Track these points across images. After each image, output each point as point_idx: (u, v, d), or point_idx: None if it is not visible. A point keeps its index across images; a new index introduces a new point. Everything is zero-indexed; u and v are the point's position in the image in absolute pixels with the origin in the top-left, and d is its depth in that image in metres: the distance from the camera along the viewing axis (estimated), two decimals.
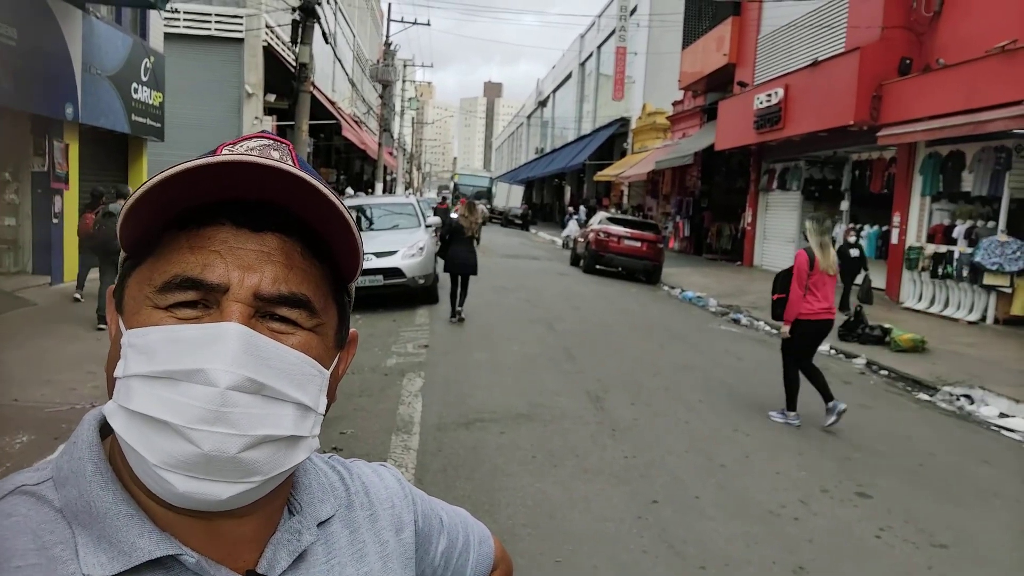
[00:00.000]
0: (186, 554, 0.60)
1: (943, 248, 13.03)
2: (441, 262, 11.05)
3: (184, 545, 0.61)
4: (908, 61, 13.86)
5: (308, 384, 0.62)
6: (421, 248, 11.97)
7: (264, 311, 0.61)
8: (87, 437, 0.64)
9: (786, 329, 6.48)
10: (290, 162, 0.64)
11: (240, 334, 0.57)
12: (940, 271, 12.97)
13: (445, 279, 11.16)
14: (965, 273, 12.36)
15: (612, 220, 19.11)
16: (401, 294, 11.64)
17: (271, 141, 0.65)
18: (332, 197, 0.61)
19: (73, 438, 0.65)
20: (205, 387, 0.55)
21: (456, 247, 10.52)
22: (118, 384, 0.59)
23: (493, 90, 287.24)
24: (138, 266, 0.63)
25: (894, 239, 14.68)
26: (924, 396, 8.07)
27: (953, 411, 7.56)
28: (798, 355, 6.49)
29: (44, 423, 5.22)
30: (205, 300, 0.60)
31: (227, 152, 0.62)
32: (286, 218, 0.63)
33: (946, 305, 12.93)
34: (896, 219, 14.66)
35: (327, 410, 0.66)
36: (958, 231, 12.94)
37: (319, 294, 0.64)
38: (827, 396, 6.39)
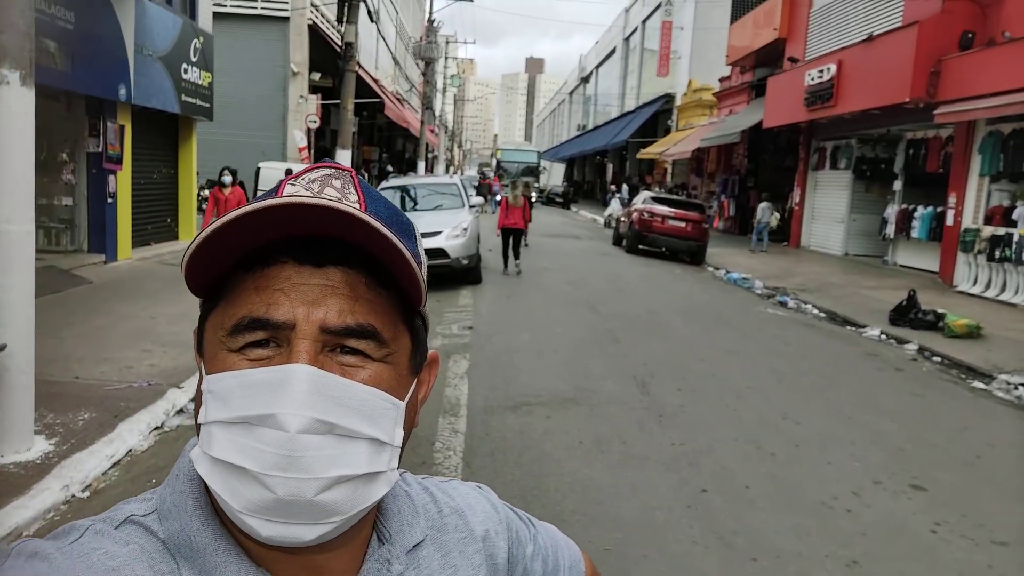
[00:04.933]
0: None
1: (1001, 230, 12.59)
2: (484, 243, 14.39)
3: None
4: (970, 35, 13.32)
5: (381, 418, 0.61)
6: (465, 229, 11.98)
7: (333, 345, 0.61)
8: (188, 471, 0.66)
9: (499, 231, 13.69)
10: (352, 191, 0.64)
11: (307, 375, 0.58)
12: (997, 254, 12.54)
13: (487, 258, 14.01)
14: None
15: (656, 199, 18.87)
16: (444, 275, 11.69)
17: (332, 170, 0.66)
18: (388, 234, 0.60)
19: (175, 470, 0.67)
20: (276, 432, 0.56)
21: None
22: (201, 430, 0.61)
23: (535, 66, 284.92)
24: (212, 310, 0.64)
25: (949, 220, 14.25)
26: (979, 384, 7.85)
27: (1011, 401, 7.33)
28: (505, 242, 13.33)
29: (103, 400, 5.38)
30: (274, 339, 0.60)
31: (289, 187, 0.63)
32: (349, 250, 0.63)
33: (1003, 290, 12.52)
34: (952, 200, 14.21)
35: (407, 438, 0.66)
36: (1018, 212, 12.48)
37: (387, 323, 0.64)
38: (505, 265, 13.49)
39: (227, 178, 10.74)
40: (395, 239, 0.61)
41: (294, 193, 0.61)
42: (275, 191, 0.63)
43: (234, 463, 0.57)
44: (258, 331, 0.60)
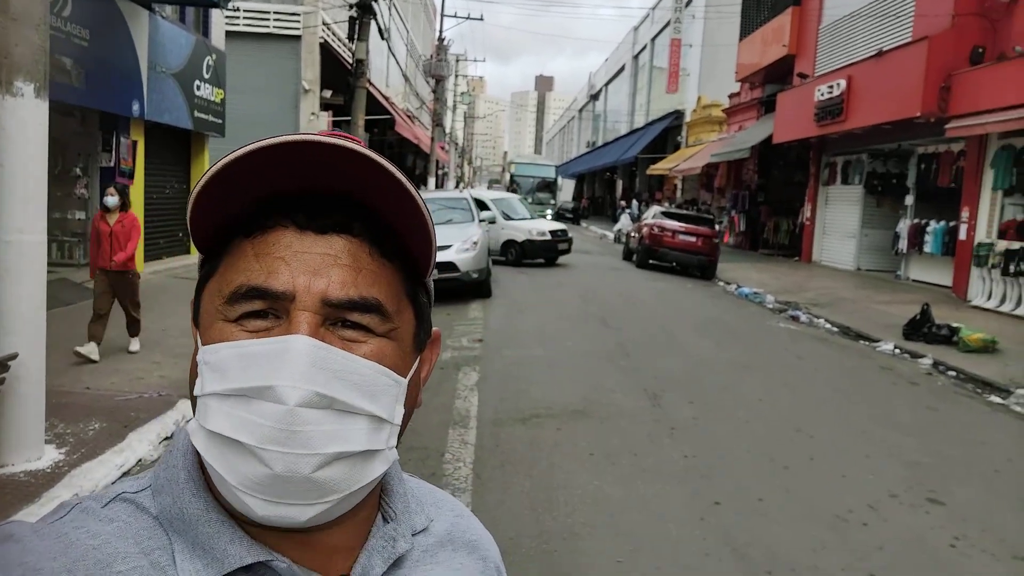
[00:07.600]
0: (277, 559, 0.59)
1: (1016, 244, 12.49)
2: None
3: (275, 551, 0.60)
4: (981, 50, 13.30)
5: (382, 395, 0.59)
6: (475, 243, 12.01)
7: (334, 318, 0.59)
8: (182, 446, 0.64)
9: None
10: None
11: (308, 347, 0.56)
12: (1012, 268, 12.43)
13: (497, 272, 12.88)
14: None
15: (666, 214, 18.85)
16: (454, 288, 11.69)
17: (339, 138, 0.61)
18: (403, 179, 0.58)
19: (170, 447, 0.66)
20: (274, 404, 0.54)
21: None
22: (198, 403, 0.59)
23: (544, 84, 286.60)
24: (210, 277, 0.63)
25: (962, 235, 14.15)
26: (996, 399, 7.74)
27: None
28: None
29: (114, 411, 5.38)
30: (273, 309, 0.58)
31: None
32: (353, 215, 0.61)
33: (1018, 304, 12.39)
34: (965, 214, 14.12)
35: (408, 417, 0.64)
36: None
37: (392, 296, 0.62)
38: None
39: (111, 199, 6.93)
40: (413, 189, 0.59)
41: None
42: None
43: (231, 437, 0.55)
44: (256, 300, 0.58)
